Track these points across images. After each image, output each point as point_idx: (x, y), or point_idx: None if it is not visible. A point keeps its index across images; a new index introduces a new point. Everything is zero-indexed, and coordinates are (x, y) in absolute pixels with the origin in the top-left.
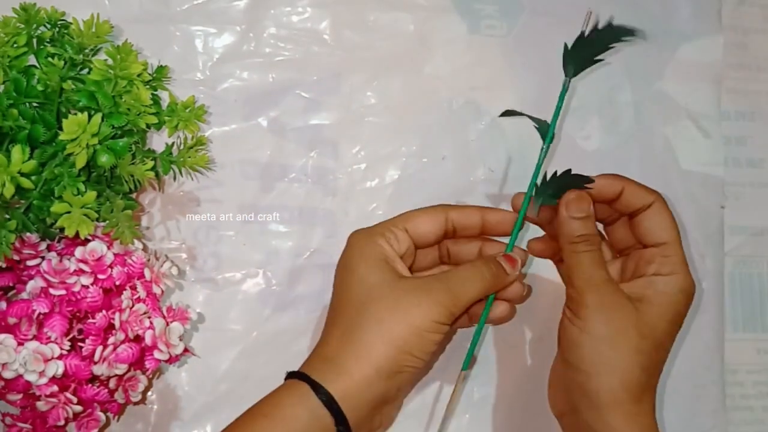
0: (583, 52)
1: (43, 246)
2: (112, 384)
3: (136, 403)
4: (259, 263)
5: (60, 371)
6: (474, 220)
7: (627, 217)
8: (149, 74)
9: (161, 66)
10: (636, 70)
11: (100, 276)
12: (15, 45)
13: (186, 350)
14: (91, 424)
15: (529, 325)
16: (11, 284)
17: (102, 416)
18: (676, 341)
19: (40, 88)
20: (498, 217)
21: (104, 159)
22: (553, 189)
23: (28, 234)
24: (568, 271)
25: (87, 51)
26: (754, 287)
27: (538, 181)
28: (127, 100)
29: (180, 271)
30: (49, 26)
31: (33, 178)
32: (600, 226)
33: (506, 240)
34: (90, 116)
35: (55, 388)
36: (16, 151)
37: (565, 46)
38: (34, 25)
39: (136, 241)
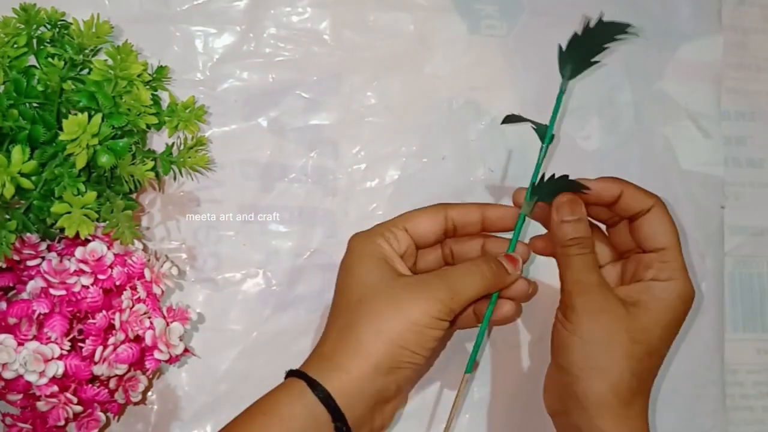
0: (579, 53)
1: (43, 246)
2: (112, 384)
3: (136, 404)
4: (259, 263)
5: (60, 371)
6: (474, 217)
7: (627, 221)
8: (149, 74)
9: (161, 66)
10: (636, 70)
11: (101, 276)
12: (15, 45)
13: (186, 350)
14: (91, 424)
15: (528, 326)
16: (11, 284)
17: (102, 416)
18: (676, 341)
19: (40, 88)
20: (498, 213)
21: (104, 159)
22: (549, 191)
23: (28, 234)
24: (560, 273)
25: (87, 51)
26: (754, 287)
27: (536, 182)
28: (127, 100)
29: (180, 271)
30: (49, 26)
31: (33, 178)
32: (603, 228)
33: (508, 235)
34: (90, 116)
35: (55, 388)
36: (17, 152)
37: (560, 47)
38: (34, 26)
39: (136, 242)
